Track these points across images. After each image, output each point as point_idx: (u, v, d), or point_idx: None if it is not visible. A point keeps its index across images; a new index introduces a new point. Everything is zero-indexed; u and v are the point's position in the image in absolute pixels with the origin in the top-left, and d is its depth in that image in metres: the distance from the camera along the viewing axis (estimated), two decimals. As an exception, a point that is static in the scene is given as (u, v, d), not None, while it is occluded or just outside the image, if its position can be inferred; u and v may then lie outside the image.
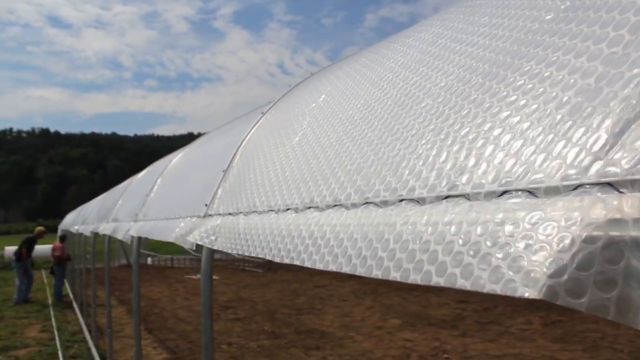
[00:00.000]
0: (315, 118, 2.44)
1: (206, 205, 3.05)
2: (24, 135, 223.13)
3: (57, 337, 10.88)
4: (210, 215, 2.93)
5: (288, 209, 2.04)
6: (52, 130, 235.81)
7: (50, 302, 16.04)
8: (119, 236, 5.88)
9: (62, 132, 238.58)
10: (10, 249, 30.18)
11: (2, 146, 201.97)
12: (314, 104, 2.66)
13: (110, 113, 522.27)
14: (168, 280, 21.50)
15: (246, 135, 3.30)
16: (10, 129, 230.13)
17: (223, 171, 3.15)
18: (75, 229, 13.83)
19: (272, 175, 2.48)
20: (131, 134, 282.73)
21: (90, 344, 10.00)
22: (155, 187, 5.64)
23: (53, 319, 13.06)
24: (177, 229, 3.30)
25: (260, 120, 3.36)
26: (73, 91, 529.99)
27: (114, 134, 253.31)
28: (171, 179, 5.35)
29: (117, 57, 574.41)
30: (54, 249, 16.60)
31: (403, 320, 11.95)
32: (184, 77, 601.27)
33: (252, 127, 3.34)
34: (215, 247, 2.55)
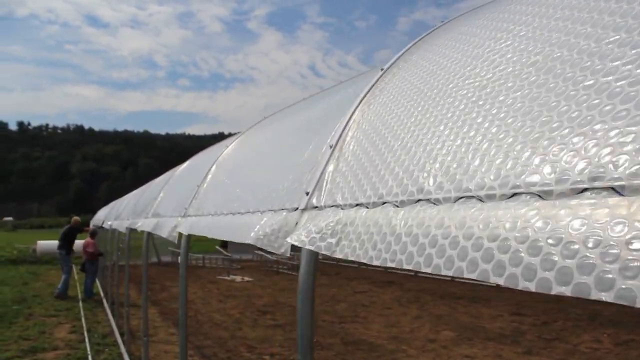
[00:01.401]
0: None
1: (308, 193, 2.19)
2: (59, 131, 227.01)
3: (87, 340, 10.20)
4: (316, 207, 2.07)
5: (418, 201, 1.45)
6: (86, 127, 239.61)
7: (80, 299, 15.45)
8: (163, 234, 5.06)
9: (96, 129, 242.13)
10: (44, 243, 30.00)
11: (39, 142, 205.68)
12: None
13: (144, 111, 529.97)
14: (200, 281, 20.82)
15: (360, 101, 2.42)
16: (47, 125, 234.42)
17: (331, 147, 2.28)
18: (108, 224, 13.20)
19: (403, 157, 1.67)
20: (163, 133, 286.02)
21: (122, 349, 9.28)
22: (209, 177, 4.76)
23: (83, 319, 12.41)
24: (257, 227, 2.45)
25: (380, 82, 2.46)
26: (108, 89, 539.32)
27: (146, 132, 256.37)
28: (232, 167, 4.40)
29: (151, 56, 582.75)
30: (86, 245, 16.00)
31: (457, 333, 10.98)
32: (217, 77, 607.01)
33: (367, 92, 2.45)
34: (337, 254, 1.69)
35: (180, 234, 4.55)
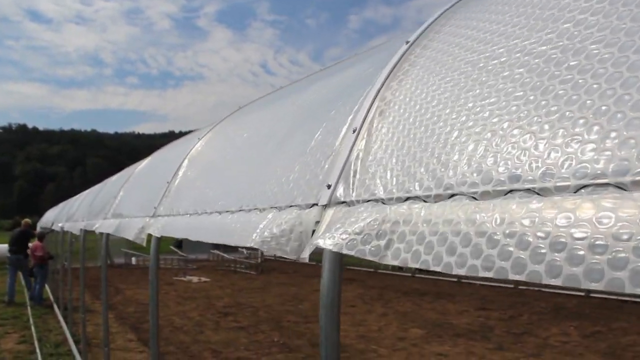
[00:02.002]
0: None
1: (329, 186, 1.83)
2: (0, 130, 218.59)
3: (38, 350, 9.54)
4: (343, 202, 1.71)
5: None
6: (30, 126, 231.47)
7: (28, 306, 14.61)
8: (129, 236, 4.57)
9: (41, 128, 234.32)
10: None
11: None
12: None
13: (91, 110, 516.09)
14: (156, 283, 20.11)
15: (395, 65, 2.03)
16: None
17: (354, 131, 1.92)
18: (59, 226, 12.48)
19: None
20: (111, 132, 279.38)
21: (78, 358, 8.70)
22: (181, 172, 4.28)
23: (33, 327, 11.69)
24: (260, 227, 2.08)
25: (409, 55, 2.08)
26: (52, 87, 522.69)
27: (94, 131, 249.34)
28: (210, 161, 3.97)
29: (98, 53, 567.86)
30: (34, 249, 15.08)
31: (425, 330, 10.82)
32: (166, 75, 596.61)
33: (394, 66, 2.09)
34: (388, 260, 1.35)
35: (149, 236, 4.07)
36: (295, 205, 1.98)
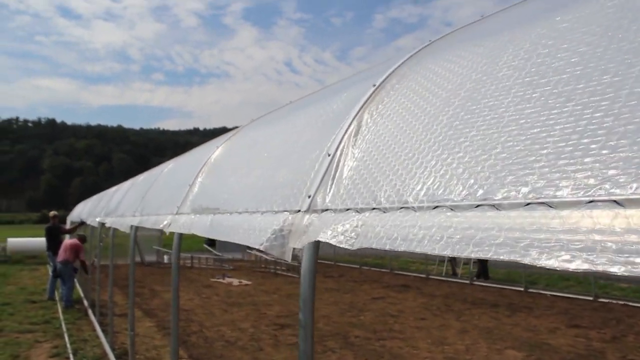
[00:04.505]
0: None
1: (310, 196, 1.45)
2: (29, 125, 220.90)
3: (74, 367, 8.09)
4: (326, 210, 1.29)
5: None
6: (58, 120, 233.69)
7: (59, 309, 13.22)
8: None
9: (69, 123, 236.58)
10: (15, 241, 27.40)
11: (8, 135, 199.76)
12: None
13: (117, 105, 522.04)
14: (194, 285, 18.69)
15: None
16: (17, 119, 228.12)
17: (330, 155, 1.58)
18: (96, 220, 11.04)
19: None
20: (137, 127, 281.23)
21: (123, 382, 7.23)
22: (201, 176, 4.43)
23: (66, 336, 10.26)
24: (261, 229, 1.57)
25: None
26: (81, 82, 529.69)
27: (119, 127, 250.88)
28: (226, 167, 4.09)
29: (125, 50, 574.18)
30: (77, 251, 13.53)
31: (525, 353, 9.13)
32: (192, 72, 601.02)
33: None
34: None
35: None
36: (286, 211, 2.39)
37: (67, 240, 13.88)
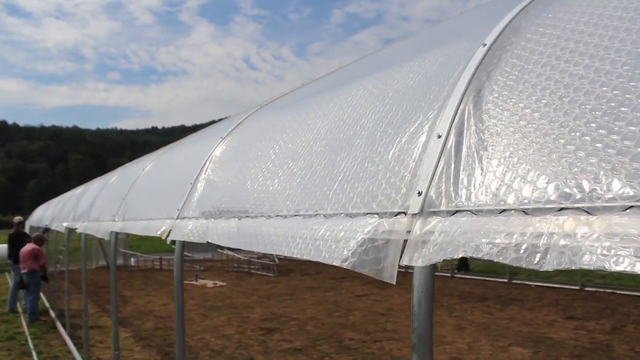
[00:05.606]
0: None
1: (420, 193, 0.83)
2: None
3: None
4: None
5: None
6: (10, 122, 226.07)
7: (24, 323, 12.22)
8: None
9: (21, 124, 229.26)
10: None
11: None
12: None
13: (72, 106, 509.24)
14: (166, 288, 17.80)
15: None
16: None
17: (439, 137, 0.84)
18: (63, 226, 10.14)
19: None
20: (93, 128, 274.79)
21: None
22: (206, 173, 3.74)
23: (34, 353, 9.36)
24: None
25: None
26: (32, 83, 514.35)
27: (75, 127, 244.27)
28: (250, 161, 3.15)
29: (78, 48, 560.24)
30: (36, 256, 12.37)
31: (531, 350, 8.69)
32: (149, 70, 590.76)
33: None
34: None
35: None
36: (376, 213, 1.79)
37: (25, 247, 12.68)
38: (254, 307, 13.39)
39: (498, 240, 1.33)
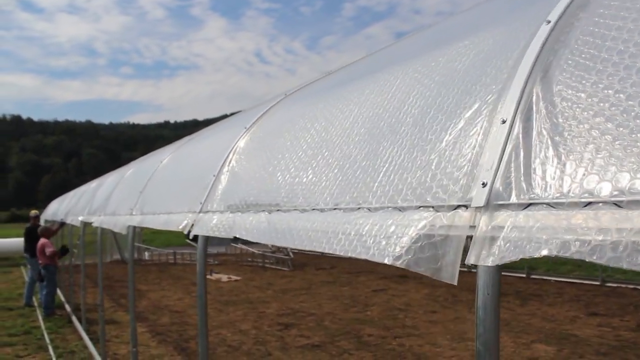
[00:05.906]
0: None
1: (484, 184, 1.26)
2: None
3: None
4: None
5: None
6: (24, 117, 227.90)
7: (40, 317, 12.19)
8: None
9: (35, 119, 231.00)
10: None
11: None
12: None
13: (85, 100, 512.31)
14: (181, 282, 17.76)
15: None
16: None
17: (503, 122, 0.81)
18: (79, 220, 10.06)
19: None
20: (106, 122, 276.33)
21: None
22: (230, 165, 3.58)
23: (50, 348, 9.31)
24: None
25: None
26: (46, 78, 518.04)
27: (89, 122, 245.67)
28: (279, 151, 2.97)
29: (91, 43, 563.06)
30: (44, 247, 12.38)
31: (555, 347, 8.49)
32: (161, 65, 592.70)
33: None
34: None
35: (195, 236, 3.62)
36: (431, 206, 1.60)
37: (42, 241, 12.62)
38: (269, 302, 13.28)
39: (589, 237, 1.15)
